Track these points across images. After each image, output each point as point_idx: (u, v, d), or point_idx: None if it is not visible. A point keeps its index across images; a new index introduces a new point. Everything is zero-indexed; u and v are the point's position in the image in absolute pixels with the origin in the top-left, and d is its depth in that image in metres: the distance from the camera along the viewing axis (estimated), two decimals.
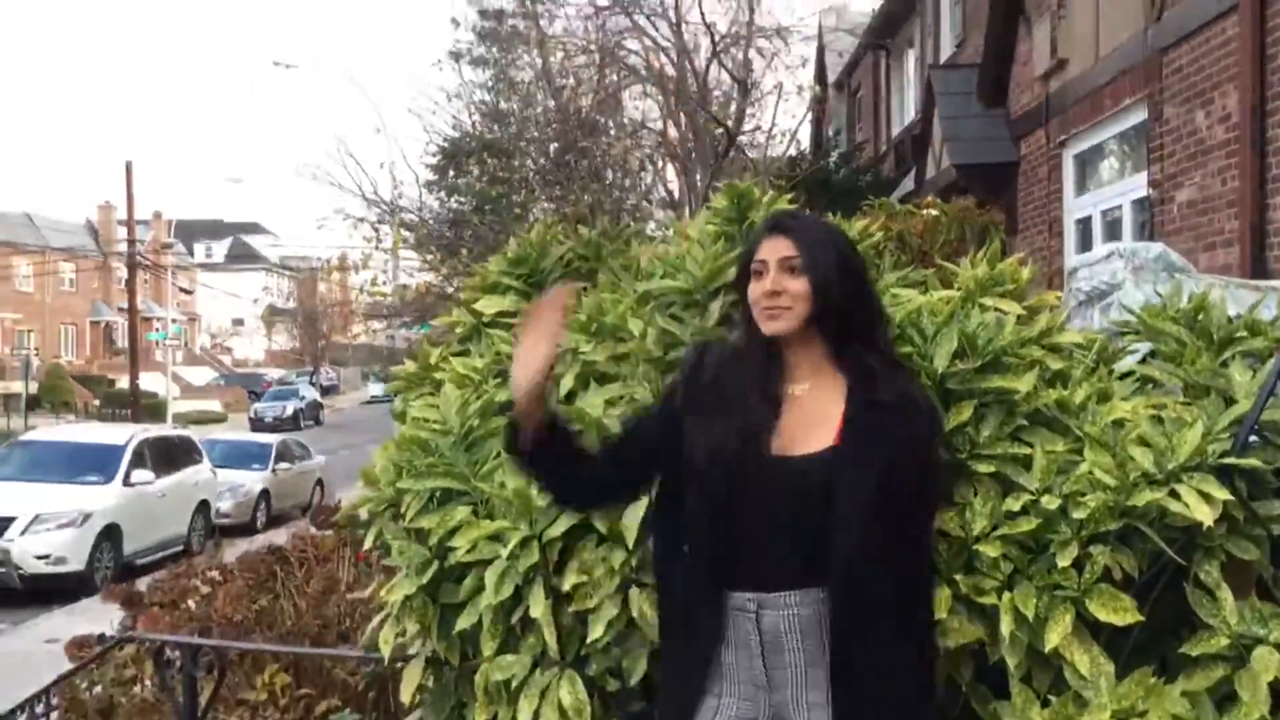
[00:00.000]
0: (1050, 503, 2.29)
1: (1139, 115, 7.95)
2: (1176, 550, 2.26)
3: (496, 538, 2.62)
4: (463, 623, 2.64)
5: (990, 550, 2.29)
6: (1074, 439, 2.41)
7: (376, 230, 14.16)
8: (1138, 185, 8.14)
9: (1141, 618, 2.19)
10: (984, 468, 2.37)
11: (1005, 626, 2.23)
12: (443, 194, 17.10)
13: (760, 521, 2.04)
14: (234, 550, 7.31)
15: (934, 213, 4.28)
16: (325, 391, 50.89)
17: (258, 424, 35.46)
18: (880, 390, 2.05)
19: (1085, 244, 8.82)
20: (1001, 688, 2.39)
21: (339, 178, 12.71)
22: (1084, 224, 9.23)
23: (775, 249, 2.08)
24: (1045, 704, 2.26)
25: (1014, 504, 2.33)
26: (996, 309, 2.65)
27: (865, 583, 2.00)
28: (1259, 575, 2.35)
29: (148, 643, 3.97)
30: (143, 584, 5.92)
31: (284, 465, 18.95)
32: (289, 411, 38.95)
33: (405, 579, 2.75)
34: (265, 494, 17.97)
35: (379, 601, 2.98)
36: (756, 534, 2.05)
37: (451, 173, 17.15)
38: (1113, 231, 8.61)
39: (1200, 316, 2.70)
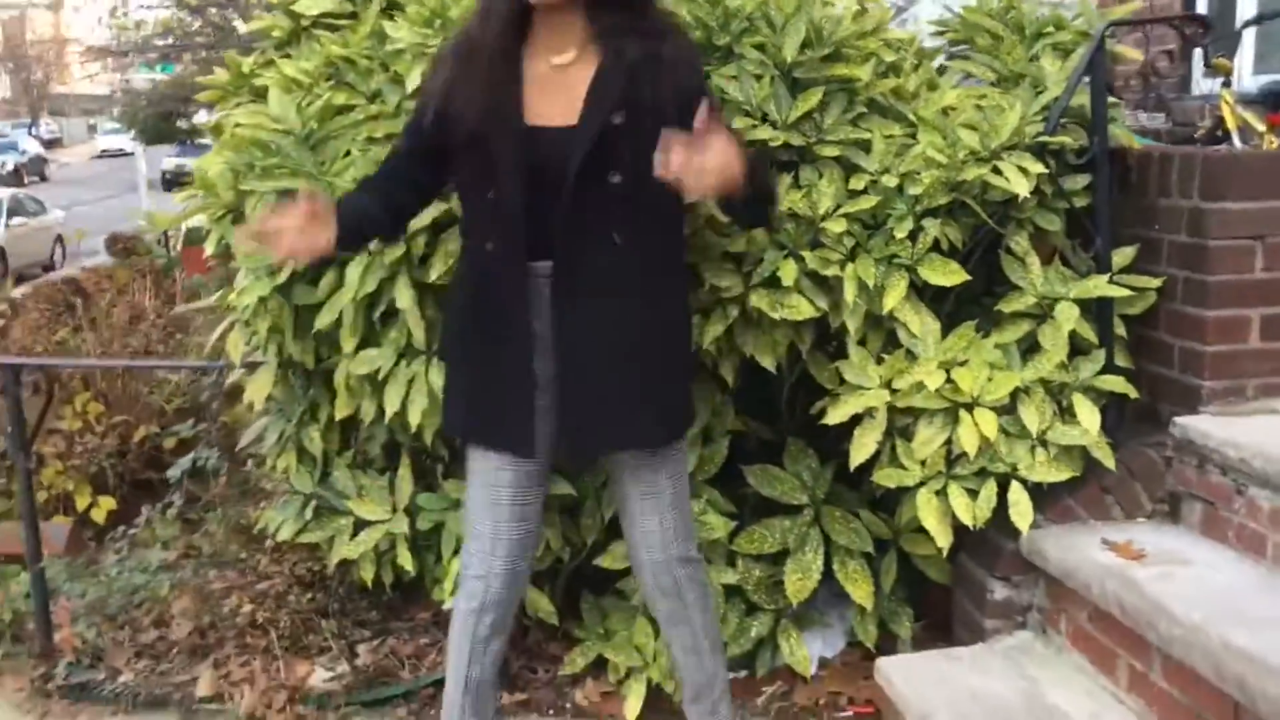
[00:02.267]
0: (889, 181, 2.50)
1: None
2: (994, 223, 2.53)
3: None
4: (322, 320, 2.66)
5: (835, 227, 2.48)
6: (908, 124, 2.60)
7: None
8: None
9: (969, 277, 2.46)
10: (829, 151, 2.53)
11: (848, 294, 2.46)
12: None
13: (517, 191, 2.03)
14: None
15: None
16: (48, 145, 46.67)
17: None
18: (631, 52, 2.00)
19: None
20: (836, 353, 2.66)
21: None
22: None
23: None
24: (879, 362, 2.53)
25: (856, 184, 2.52)
26: (835, 3, 2.75)
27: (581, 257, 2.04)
28: (1058, 246, 2.66)
29: None
30: None
31: (18, 220, 17.58)
32: (9, 167, 35.59)
33: (256, 281, 2.73)
34: (1, 252, 16.70)
35: (224, 308, 2.94)
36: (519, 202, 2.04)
37: None
38: None
39: (1011, 14, 2.90)
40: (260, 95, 3.07)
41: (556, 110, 2.04)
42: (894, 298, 2.45)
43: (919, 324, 2.49)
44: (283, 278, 2.67)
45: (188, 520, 3.83)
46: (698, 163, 1.82)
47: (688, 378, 2.31)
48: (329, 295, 2.67)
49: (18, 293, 5.55)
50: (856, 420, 2.52)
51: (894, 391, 2.48)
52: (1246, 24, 3.39)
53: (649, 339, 2.12)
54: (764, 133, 2.51)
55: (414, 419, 2.63)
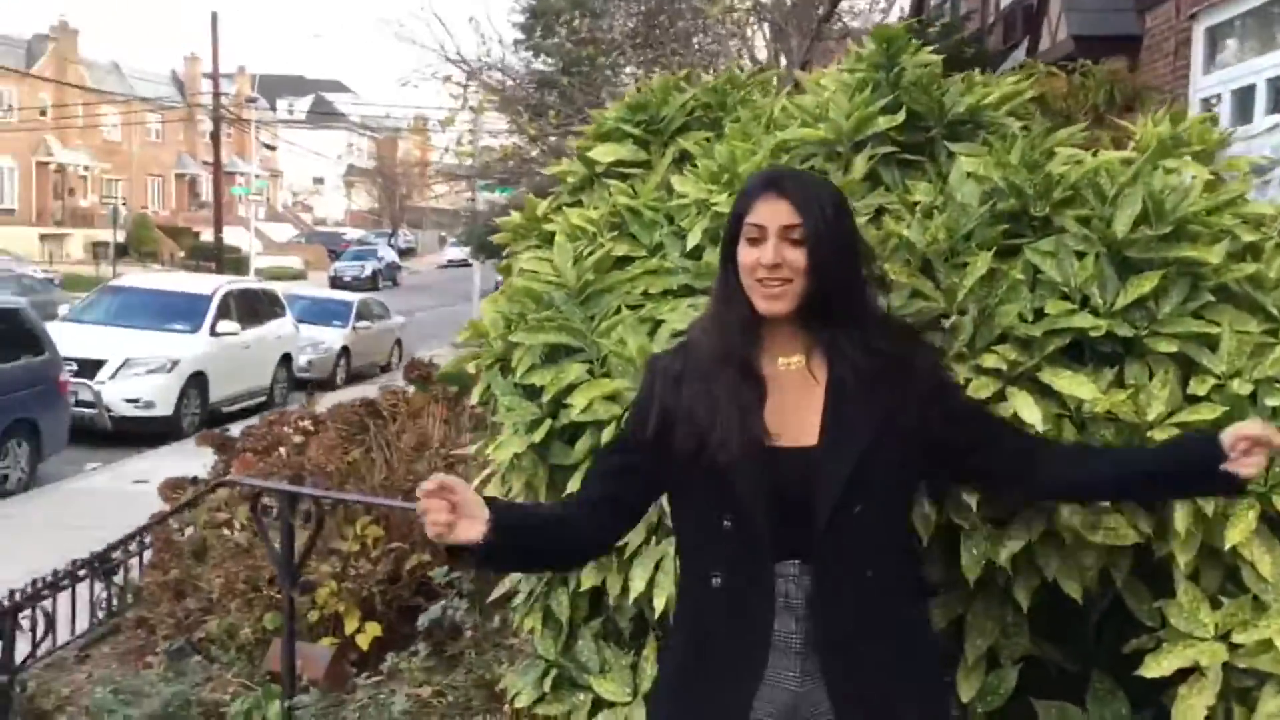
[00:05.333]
0: (1240, 388, 2.06)
1: None
2: None
3: (613, 398, 2.47)
4: (574, 484, 2.51)
5: (1165, 436, 2.07)
6: (1267, 319, 2.17)
7: (464, 89, 13.91)
8: (1276, 62, 7.59)
9: None
10: (1164, 346, 2.14)
11: (1180, 522, 2.03)
12: (529, 54, 16.75)
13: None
14: (313, 402, 7.33)
15: (1081, 76, 3.93)
16: (403, 254, 51.20)
17: (336, 282, 35.80)
18: (860, 362, 1.83)
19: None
20: (1156, 588, 2.21)
21: (422, 35, 12.44)
22: (1208, 104, 8.68)
23: (775, 214, 1.81)
24: (1214, 605, 2.07)
25: (1198, 388, 2.10)
26: (1180, 172, 2.37)
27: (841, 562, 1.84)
28: None
29: (244, 487, 3.93)
30: (233, 431, 5.92)
31: (364, 323, 19.13)
32: (367, 271, 39.26)
33: (514, 436, 2.62)
34: (345, 351, 18.18)
35: (483, 459, 2.86)
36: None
37: (539, 32, 16.75)
38: (1244, 111, 8.06)
39: None
40: (549, 240, 3.02)
41: (790, 425, 1.85)
42: (1240, 532, 1.99)
43: (1270, 565, 2.02)
44: (539, 436, 2.54)
45: (451, 656, 3.77)
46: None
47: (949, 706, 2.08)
48: (584, 458, 2.52)
49: (323, 408, 5.85)
50: (1183, 674, 2.06)
51: (1234, 647, 2.00)
52: None
53: (914, 670, 1.92)
54: (1083, 320, 2.15)
55: (659, 603, 2.41)
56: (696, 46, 14.86)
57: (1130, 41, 9.74)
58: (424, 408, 5.00)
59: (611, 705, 2.64)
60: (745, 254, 1.84)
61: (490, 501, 1.80)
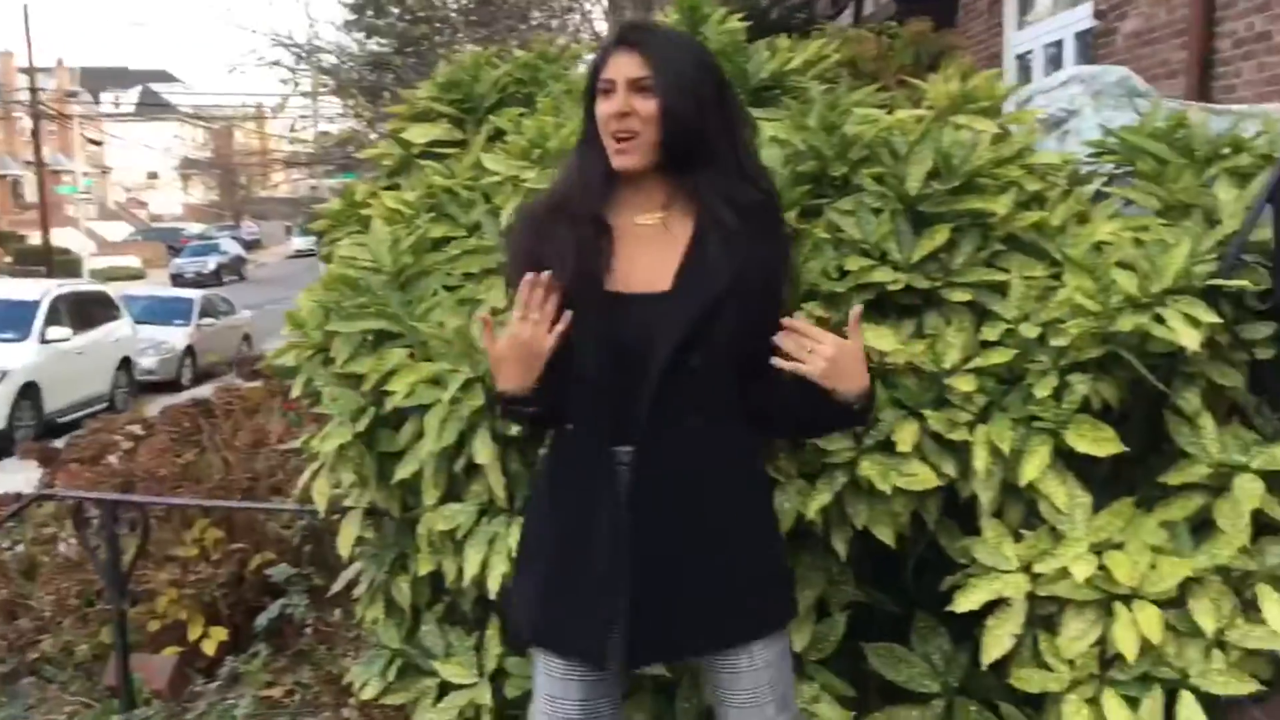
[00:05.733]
0: (1029, 331, 2.16)
1: None
2: (1157, 378, 2.16)
3: (437, 381, 2.45)
4: (402, 472, 2.49)
5: (964, 384, 2.16)
6: (1052, 264, 2.28)
7: (294, 73, 13.53)
8: (1082, 16, 7.93)
9: (1125, 448, 2.09)
10: (958, 295, 2.23)
11: (979, 461, 2.12)
12: (361, 35, 16.35)
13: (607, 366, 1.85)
14: (157, 406, 7.06)
15: (887, 37, 4.06)
16: (248, 246, 49.51)
17: (178, 280, 34.39)
18: (726, 220, 1.84)
19: (1025, 80, 8.62)
20: (969, 525, 2.31)
21: (249, 20, 12.04)
22: (1024, 59, 9.02)
23: (624, 66, 1.83)
24: (1018, 538, 2.18)
25: (990, 333, 2.19)
26: (970, 127, 2.47)
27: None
28: (1238, 405, 2.26)
29: (65, 500, 3.78)
30: (62, 442, 5.68)
31: (209, 321, 18.47)
32: (211, 266, 37.86)
33: (338, 427, 2.57)
34: (190, 350, 17.53)
35: (310, 452, 2.80)
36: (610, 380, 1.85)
37: (370, 12, 16.37)
38: (1055, 66, 8.41)
39: (1180, 134, 2.54)
40: (369, 225, 2.97)
41: (642, 276, 1.85)
42: (1035, 467, 2.10)
43: (1065, 497, 2.13)
44: (363, 425, 2.51)
45: (297, 654, 3.69)
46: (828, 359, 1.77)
47: (781, 564, 2.03)
48: (411, 444, 2.49)
49: (154, 410, 5.65)
50: (991, 606, 2.16)
51: (1035, 577, 2.11)
52: None
53: (735, 529, 1.89)
54: (883, 274, 2.22)
55: (493, 584, 2.40)
56: (535, 21, 14.75)
57: (949, 2, 10.05)
58: (262, 403, 4.88)
59: (458, 688, 2.64)
60: (598, 107, 1.86)
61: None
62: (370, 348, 2.59)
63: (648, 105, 1.82)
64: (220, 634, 3.92)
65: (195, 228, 52.91)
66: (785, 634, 2.00)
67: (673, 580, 1.85)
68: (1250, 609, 2.08)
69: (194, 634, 3.91)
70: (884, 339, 2.18)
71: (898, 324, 2.24)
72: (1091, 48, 7.61)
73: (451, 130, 3.11)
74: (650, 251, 1.87)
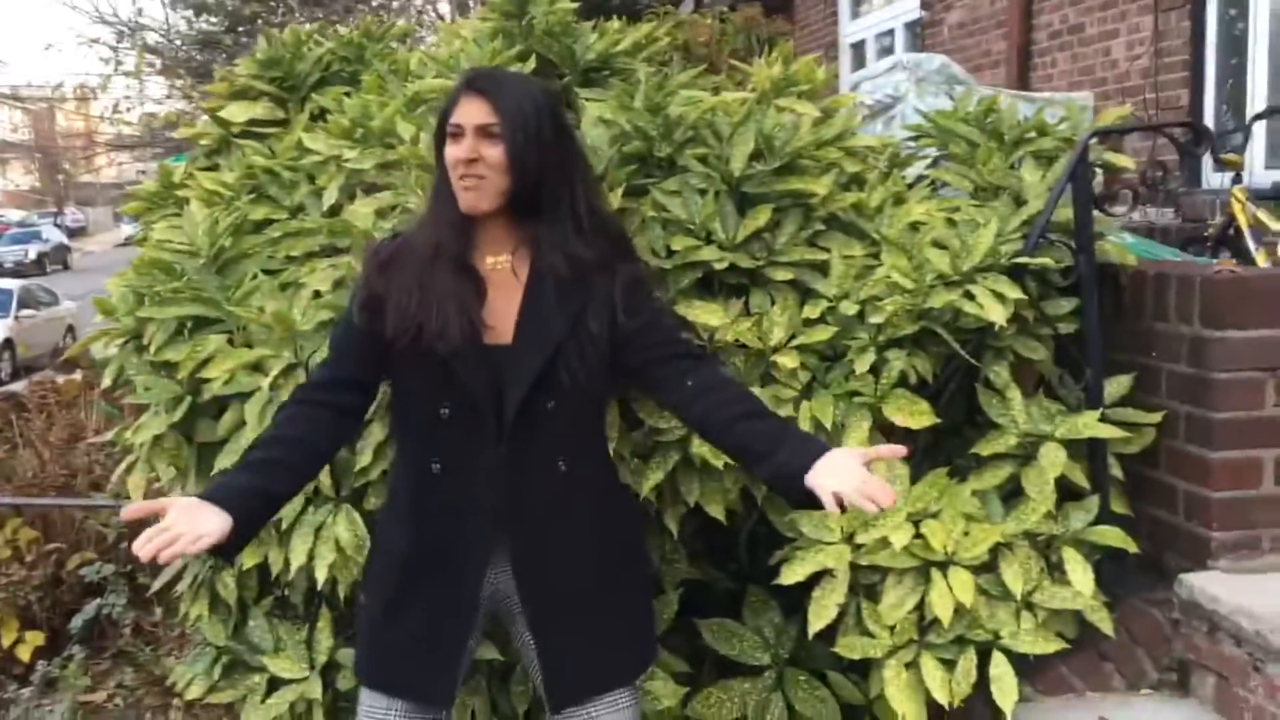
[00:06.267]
0: (848, 308, 2.22)
1: None
2: (968, 352, 2.24)
3: (257, 367, 2.38)
4: (223, 462, 2.40)
5: (788, 360, 2.20)
6: (871, 243, 2.34)
7: (115, 51, 12.92)
8: (911, 7, 8.18)
9: (938, 420, 2.17)
10: (781, 275, 2.27)
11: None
12: (190, 12, 15.69)
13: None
14: None
15: (719, 22, 4.10)
16: (72, 234, 47.18)
17: None
18: (561, 271, 1.87)
19: (859, 67, 8.86)
20: None
21: None
22: (858, 47, 9.27)
23: (472, 112, 1.86)
24: (841, 510, 2.23)
25: (812, 311, 2.24)
26: (792, 110, 2.51)
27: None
28: (1044, 377, 2.37)
29: None
30: None
31: (28, 312, 17.50)
32: (31, 255, 35.90)
33: (154, 418, 2.47)
34: (9, 343, 16.61)
35: (125, 444, 2.68)
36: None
37: None
38: (888, 54, 8.66)
39: (990, 119, 2.64)
40: (185, 207, 2.85)
41: (499, 326, 1.88)
42: (855, 440, 2.15)
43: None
44: (180, 414, 2.41)
45: (117, 655, 3.54)
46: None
47: (650, 597, 2.15)
48: (231, 433, 2.41)
49: None
50: (817, 577, 2.21)
51: (857, 547, 2.17)
52: (1257, 117, 3.13)
53: (610, 565, 1.96)
54: (709, 253, 2.25)
55: (320, 574, 2.35)
56: (376, 3, 14.41)
57: None
58: (78, 396, 4.64)
59: (288, 682, 2.56)
60: (447, 151, 1.87)
61: (218, 487, 1.76)
62: (188, 334, 2.49)
63: (495, 151, 1.84)
64: (36, 638, 3.73)
65: (15, 215, 50.04)
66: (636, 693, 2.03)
67: (570, 622, 1.91)
68: (1056, 571, 2.18)
69: (8, 639, 3.71)
70: (713, 315, 2.20)
71: (727, 303, 2.26)
72: (920, 38, 7.87)
73: (273, 109, 3.01)
74: (501, 296, 1.89)
